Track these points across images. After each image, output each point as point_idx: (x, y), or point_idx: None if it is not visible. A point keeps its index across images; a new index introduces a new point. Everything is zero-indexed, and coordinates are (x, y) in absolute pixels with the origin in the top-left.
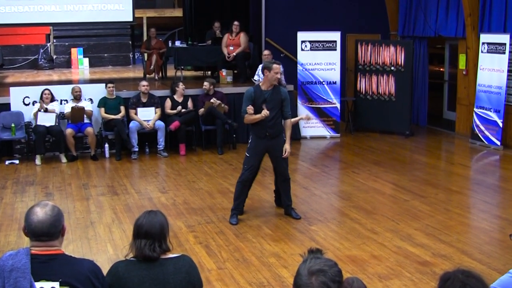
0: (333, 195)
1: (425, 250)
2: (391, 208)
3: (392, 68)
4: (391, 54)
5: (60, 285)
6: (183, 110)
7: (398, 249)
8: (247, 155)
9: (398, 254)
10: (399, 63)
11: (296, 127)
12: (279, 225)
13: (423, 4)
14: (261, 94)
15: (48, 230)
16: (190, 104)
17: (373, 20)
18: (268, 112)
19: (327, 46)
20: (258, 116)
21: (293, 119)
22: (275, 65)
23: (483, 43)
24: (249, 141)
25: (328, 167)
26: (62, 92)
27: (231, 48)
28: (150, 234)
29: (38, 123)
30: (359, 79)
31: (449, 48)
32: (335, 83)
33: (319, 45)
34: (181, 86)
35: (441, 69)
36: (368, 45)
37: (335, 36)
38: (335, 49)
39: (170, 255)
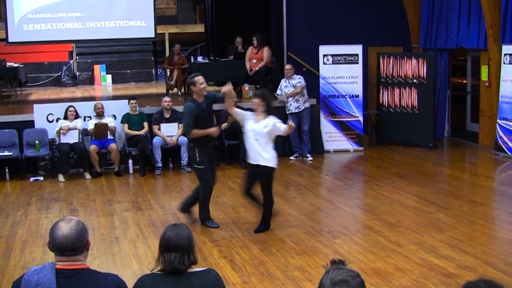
0: (357, 208)
1: (449, 262)
2: (415, 220)
3: (415, 80)
4: (413, 67)
5: None
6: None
7: (422, 261)
8: (202, 167)
9: (423, 266)
10: (422, 75)
11: (319, 141)
12: (303, 238)
13: (445, 16)
14: (201, 107)
15: (73, 245)
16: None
17: (395, 33)
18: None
19: (349, 59)
20: (210, 130)
21: None
22: (197, 78)
23: (505, 54)
24: (196, 155)
25: (352, 181)
26: (86, 108)
27: (254, 61)
28: (179, 246)
29: (61, 140)
30: (381, 92)
31: (471, 59)
32: (357, 96)
33: (341, 58)
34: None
35: (464, 81)
36: (390, 58)
37: (357, 49)
38: (357, 63)
39: (196, 269)
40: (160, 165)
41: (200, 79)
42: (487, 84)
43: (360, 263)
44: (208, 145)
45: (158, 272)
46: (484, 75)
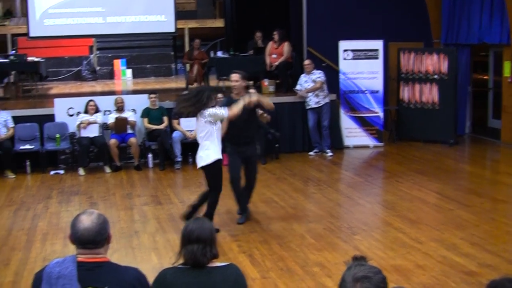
0: (377, 205)
1: (470, 260)
2: (436, 217)
3: (435, 76)
4: (434, 62)
5: None
6: None
7: (443, 258)
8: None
9: (443, 264)
10: (442, 71)
11: (339, 136)
12: (323, 234)
13: (466, 11)
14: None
15: (94, 238)
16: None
17: (416, 28)
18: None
19: (369, 54)
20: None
21: None
22: (231, 74)
23: None
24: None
25: (372, 177)
26: (106, 103)
27: (274, 56)
28: (201, 239)
29: (82, 134)
30: (401, 87)
31: (493, 55)
32: (377, 92)
33: (361, 54)
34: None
35: (485, 77)
36: (410, 53)
37: (377, 44)
38: (377, 58)
39: (218, 264)
40: (180, 159)
41: (231, 76)
42: (509, 80)
43: (380, 259)
44: (241, 143)
45: (179, 266)
46: (506, 71)
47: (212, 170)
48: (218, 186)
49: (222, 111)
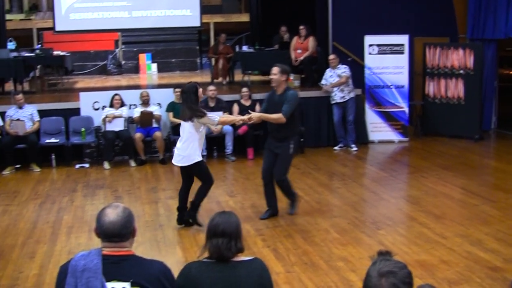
0: (402, 200)
1: (495, 256)
2: (460, 212)
3: (461, 71)
4: (460, 57)
5: (131, 285)
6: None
7: (468, 254)
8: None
9: (468, 259)
10: (468, 66)
11: (364, 131)
12: (347, 229)
13: (493, 6)
14: (272, 97)
15: (120, 231)
16: (258, 109)
17: (442, 23)
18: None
19: (395, 49)
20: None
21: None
22: (272, 67)
23: None
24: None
25: (396, 171)
26: (131, 97)
27: (299, 51)
28: (227, 232)
29: (107, 128)
30: (427, 82)
31: None
32: (403, 87)
33: (386, 48)
34: (244, 90)
35: (511, 72)
36: (436, 48)
37: (403, 39)
38: (403, 53)
39: (243, 258)
40: (205, 153)
41: (272, 69)
42: None
43: (404, 254)
44: (271, 135)
45: (204, 260)
46: None
47: (195, 169)
48: (208, 179)
49: (215, 119)
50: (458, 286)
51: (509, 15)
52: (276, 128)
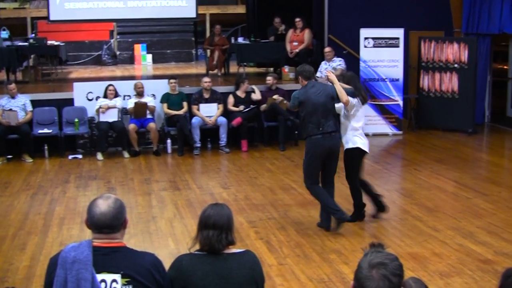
0: (395, 192)
1: (487, 248)
2: (453, 205)
3: (456, 65)
4: (454, 51)
5: (122, 277)
6: (245, 110)
7: (459, 247)
8: None
9: (460, 252)
10: (463, 60)
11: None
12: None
13: (488, 0)
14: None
15: (111, 223)
16: (256, 95)
17: (437, 17)
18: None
19: (390, 43)
20: None
21: None
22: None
23: None
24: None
25: (390, 164)
26: (125, 87)
27: (295, 44)
28: (218, 225)
29: (101, 119)
30: (422, 76)
31: None
32: (397, 80)
33: (382, 42)
34: (246, 83)
35: (505, 67)
36: (431, 42)
37: (398, 33)
38: (398, 46)
39: (234, 250)
40: (199, 145)
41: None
42: None
43: (397, 247)
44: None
45: (196, 252)
46: None
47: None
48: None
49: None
50: (449, 279)
51: (503, 10)
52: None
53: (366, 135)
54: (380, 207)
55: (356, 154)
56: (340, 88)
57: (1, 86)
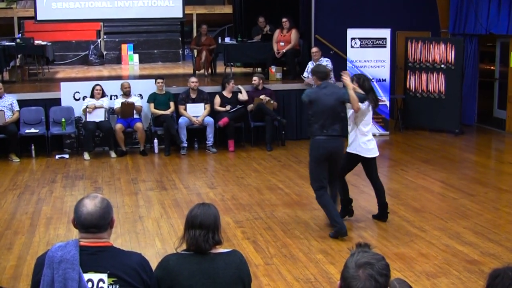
0: None
1: (473, 249)
2: (440, 206)
3: (442, 66)
4: (441, 52)
5: (108, 277)
6: (231, 110)
7: (446, 247)
8: None
9: (446, 252)
10: (450, 61)
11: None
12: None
13: (475, 1)
14: (315, 92)
15: (97, 222)
16: (242, 95)
17: (424, 17)
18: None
19: (377, 43)
20: None
21: None
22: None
23: None
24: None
25: (377, 165)
26: (112, 87)
27: (281, 44)
28: (204, 224)
29: (88, 119)
30: (408, 76)
31: (500, 46)
32: (384, 80)
33: (368, 42)
34: (231, 83)
35: (492, 67)
36: (418, 42)
37: (385, 33)
38: (385, 46)
39: (221, 250)
40: (186, 145)
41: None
42: None
43: (384, 247)
44: None
45: (182, 252)
46: None
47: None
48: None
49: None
50: (436, 279)
51: (490, 10)
52: None
53: None
54: (348, 211)
55: (355, 159)
56: (353, 94)
57: None
